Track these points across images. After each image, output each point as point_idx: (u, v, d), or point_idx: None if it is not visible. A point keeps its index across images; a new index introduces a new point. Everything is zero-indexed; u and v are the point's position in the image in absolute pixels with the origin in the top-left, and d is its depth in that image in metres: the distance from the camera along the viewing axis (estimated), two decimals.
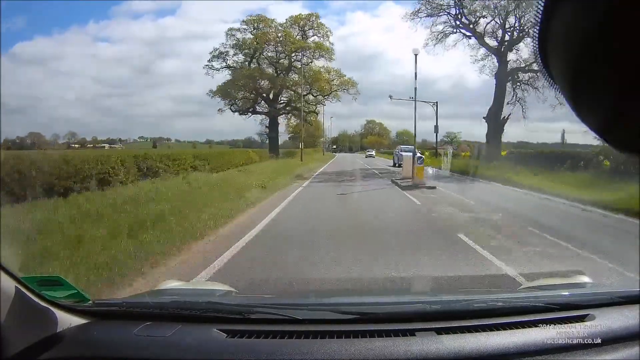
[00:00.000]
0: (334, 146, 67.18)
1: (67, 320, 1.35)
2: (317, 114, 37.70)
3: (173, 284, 2.18)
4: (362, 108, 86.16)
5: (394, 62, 67.58)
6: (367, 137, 71.44)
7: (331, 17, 77.43)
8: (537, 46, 0.51)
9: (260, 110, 35.08)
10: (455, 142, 51.98)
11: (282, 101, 35.11)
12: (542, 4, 0.47)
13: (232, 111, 33.77)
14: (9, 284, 1.21)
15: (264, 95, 34.44)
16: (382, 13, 69.13)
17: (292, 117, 37.30)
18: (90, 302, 1.49)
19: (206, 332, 1.35)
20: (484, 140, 23.94)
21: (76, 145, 39.54)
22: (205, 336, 1.33)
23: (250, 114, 34.67)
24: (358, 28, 68.23)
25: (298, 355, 1.23)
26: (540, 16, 0.48)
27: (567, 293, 1.82)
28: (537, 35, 0.50)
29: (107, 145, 40.02)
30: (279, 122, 35.52)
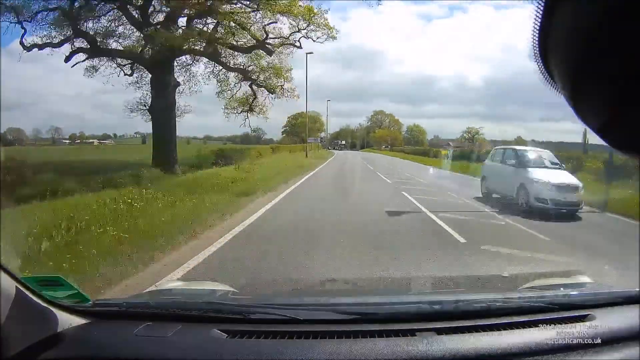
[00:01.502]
0: (342, 142, 55.24)
1: (67, 321, 1.35)
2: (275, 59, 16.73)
3: (173, 284, 2.19)
4: (364, 107, 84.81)
5: (396, 61, 66.46)
6: (375, 131, 56.58)
7: (332, 14, 76.34)
8: (537, 46, 0.51)
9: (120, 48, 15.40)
10: (475, 140, 44.14)
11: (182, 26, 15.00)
12: (542, 4, 0.47)
13: (23, 48, 14.37)
14: (9, 284, 1.21)
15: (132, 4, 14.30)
16: (385, 10, 68.29)
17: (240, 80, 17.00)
18: (90, 302, 1.50)
19: (206, 332, 1.35)
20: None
21: (66, 141, 38.92)
22: (205, 336, 1.33)
23: (86, 57, 15.00)
24: (360, 25, 67.09)
25: (298, 356, 1.23)
26: (540, 16, 0.48)
27: (567, 293, 1.82)
28: (537, 35, 0.50)
29: (96, 141, 39.18)
30: (180, 82, 15.80)
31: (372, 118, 57.72)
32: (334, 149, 50.69)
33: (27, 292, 1.27)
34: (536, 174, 8.76)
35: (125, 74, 16.36)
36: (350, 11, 77.87)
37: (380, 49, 72.33)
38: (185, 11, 14.67)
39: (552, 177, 8.55)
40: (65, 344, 1.28)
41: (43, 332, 1.28)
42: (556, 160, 9.63)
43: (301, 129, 37.73)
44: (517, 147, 10.47)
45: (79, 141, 39.47)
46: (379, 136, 55.16)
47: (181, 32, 14.80)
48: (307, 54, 20.08)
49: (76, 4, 14.29)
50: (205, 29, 15.67)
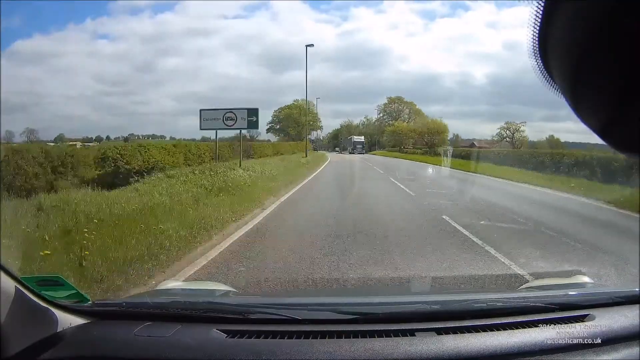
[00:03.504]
0: (359, 140, 36.79)
1: (67, 321, 1.35)
2: None
3: (173, 284, 2.19)
4: (366, 107, 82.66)
5: (400, 59, 64.97)
6: (393, 124, 38.21)
7: (334, 13, 74.59)
8: (536, 46, 0.51)
9: None
10: (516, 139, 35.76)
11: None
12: (542, 4, 0.47)
13: None
14: (9, 284, 1.21)
15: None
16: (387, 8, 67.30)
17: None
18: (90, 302, 1.50)
19: (206, 332, 1.35)
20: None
21: (51, 144, 38.35)
22: (205, 336, 1.33)
23: None
24: (362, 24, 66.13)
25: (298, 356, 1.23)
26: (540, 16, 0.48)
27: (567, 293, 1.82)
28: (536, 36, 0.50)
29: (78, 143, 38.57)
30: None
31: (385, 108, 39.78)
32: (341, 152, 37.83)
33: (27, 292, 1.27)
34: None
35: None
36: (352, 10, 77.27)
37: (383, 48, 70.58)
38: None
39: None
40: (65, 343, 1.28)
41: (43, 332, 1.28)
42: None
43: (289, 124, 28.80)
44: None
45: (59, 143, 38.86)
46: (398, 132, 36.04)
47: None
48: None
49: None
50: None
